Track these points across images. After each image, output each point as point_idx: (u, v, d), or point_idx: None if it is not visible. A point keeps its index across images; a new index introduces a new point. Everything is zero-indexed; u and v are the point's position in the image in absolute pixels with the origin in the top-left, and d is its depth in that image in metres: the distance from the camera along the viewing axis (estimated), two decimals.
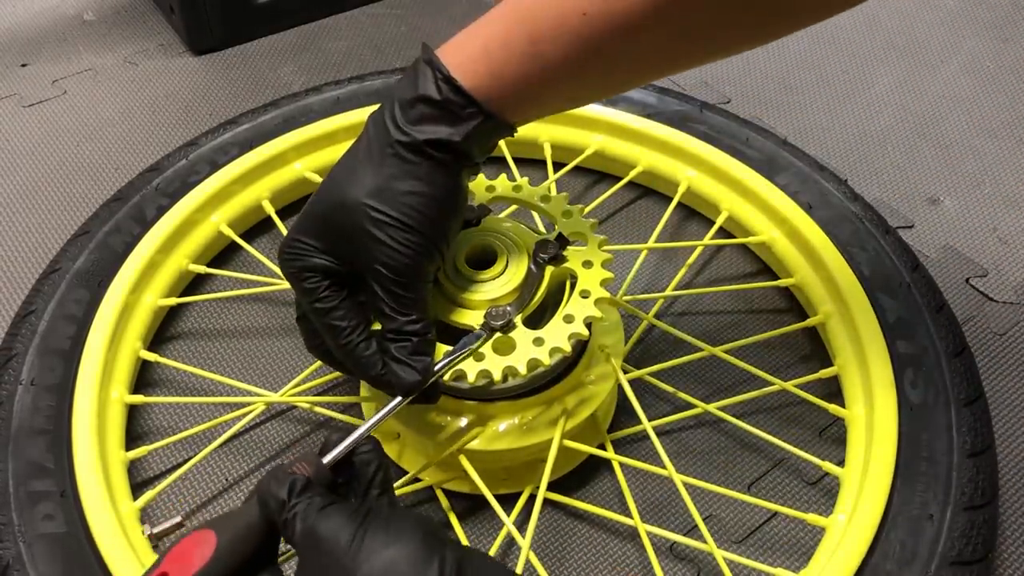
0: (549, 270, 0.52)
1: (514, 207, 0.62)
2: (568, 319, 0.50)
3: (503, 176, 0.59)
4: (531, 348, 0.49)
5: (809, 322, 0.66)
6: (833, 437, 0.63)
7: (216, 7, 0.90)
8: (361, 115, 0.75)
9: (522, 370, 0.48)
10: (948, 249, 0.75)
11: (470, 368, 0.48)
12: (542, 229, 0.61)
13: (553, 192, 0.58)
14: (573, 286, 0.52)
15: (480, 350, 0.49)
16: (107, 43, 0.95)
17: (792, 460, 0.61)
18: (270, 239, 0.74)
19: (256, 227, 0.74)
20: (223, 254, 0.72)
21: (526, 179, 0.59)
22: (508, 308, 0.50)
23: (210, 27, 0.92)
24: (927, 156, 0.84)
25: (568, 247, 0.54)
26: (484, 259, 0.53)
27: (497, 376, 0.48)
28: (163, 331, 0.67)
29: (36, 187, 0.79)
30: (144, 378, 0.64)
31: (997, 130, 0.87)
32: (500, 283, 0.51)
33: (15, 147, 0.83)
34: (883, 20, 1.00)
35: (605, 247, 0.54)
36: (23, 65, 0.92)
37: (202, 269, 0.68)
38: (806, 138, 0.85)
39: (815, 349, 0.68)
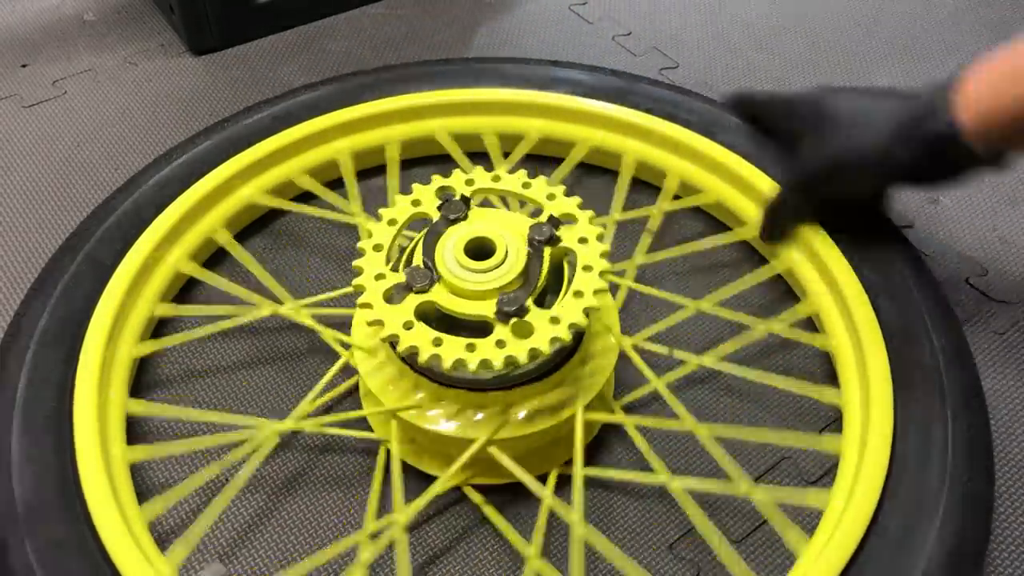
0: (547, 251, 0.54)
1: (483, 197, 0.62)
2: (578, 295, 0.52)
3: (479, 168, 0.60)
4: (550, 328, 0.50)
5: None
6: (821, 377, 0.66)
7: (216, 7, 0.90)
8: (295, 133, 0.73)
9: (545, 350, 0.50)
10: (948, 249, 0.75)
11: (495, 356, 0.49)
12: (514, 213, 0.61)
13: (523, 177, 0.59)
14: (572, 264, 0.54)
15: (500, 337, 0.50)
16: (107, 43, 0.95)
17: (792, 401, 0.64)
18: (229, 268, 0.71)
19: (212, 258, 0.71)
20: (183, 290, 0.70)
21: (504, 167, 0.61)
22: (518, 293, 0.51)
23: (210, 27, 0.92)
24: None
25: (560, 227, 0.55)
26: (482, 250, 0.54)
27: (524, 359, 0.49)
28: (139, 379, 0.65)
29: (36, 187, 0.79)
30: (132, 431, 0.62)
31: None
32: (504, 270, 0.52)
33: (15, 147, 0.83)
34: (883, 20, 1.00)
35: (594, 221, 0.56)
36: (23, 65, 0.92)
37: (170, 310, 0.66)
38: None
39: (786, 292, 0.71)
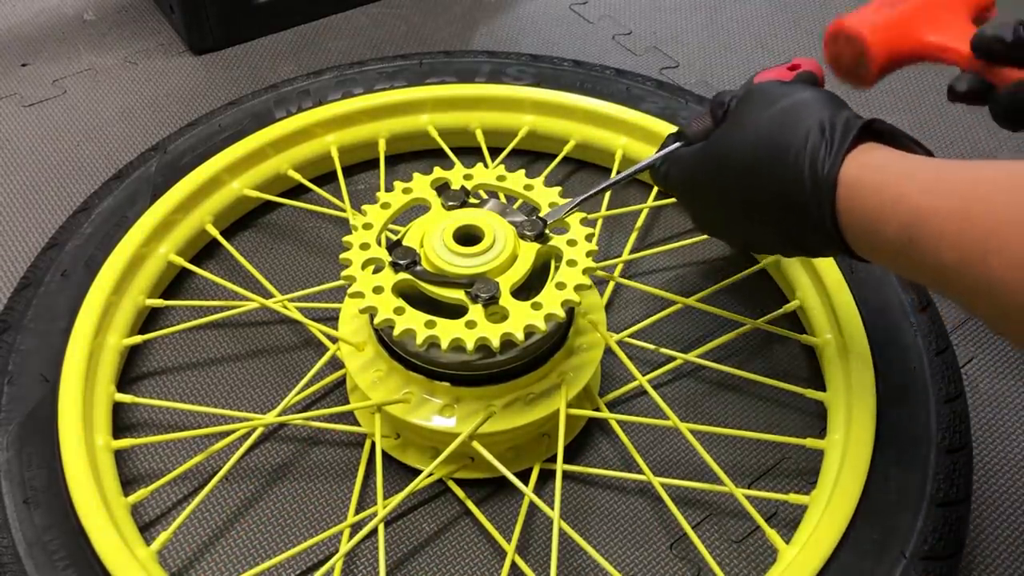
0: (535, 247, 0.54)
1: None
2: (560, 286, 0.53)
3: (479, 165, 0.60)
4: (526, 316, 0.51)
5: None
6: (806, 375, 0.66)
7: (216, 7, 0.90)
8: (284, 127, 0.73)
9: (520, 336, 0.50)
10: None
11: (467, 337, 0.50)
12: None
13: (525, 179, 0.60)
14: (559, 260, 0.55)
15: (472, 319, 0.50)
16: (107, 43, 0.95)
17: (781, 398, 0.64)
18: (217, 263, 0.72)
19: (203, 251, 0.72)
20: (172, 283, 0.70)
21: (502, 166, 0.61)
22: (495, 281, 0.52)
23: (210, 27, 0.92)
24: None
25: (550, 223, 0.56)
26: (471, 238, 0.55)
27: (496, 343, 0.50)
28: (128, 372, 0.65)
29: (36, 187, 0.79)
30: (117, 422, 0.62)
31: (998, 128, 0.86)
32: (487, 258, 0.53)
33: (15, 147, 0.83)
34: None
35: (583, 221, 0.57)
36: (23, 65, 0.92)
37: (159, 303, 0.66)
38: None
39: (772, 290, 0.70)
